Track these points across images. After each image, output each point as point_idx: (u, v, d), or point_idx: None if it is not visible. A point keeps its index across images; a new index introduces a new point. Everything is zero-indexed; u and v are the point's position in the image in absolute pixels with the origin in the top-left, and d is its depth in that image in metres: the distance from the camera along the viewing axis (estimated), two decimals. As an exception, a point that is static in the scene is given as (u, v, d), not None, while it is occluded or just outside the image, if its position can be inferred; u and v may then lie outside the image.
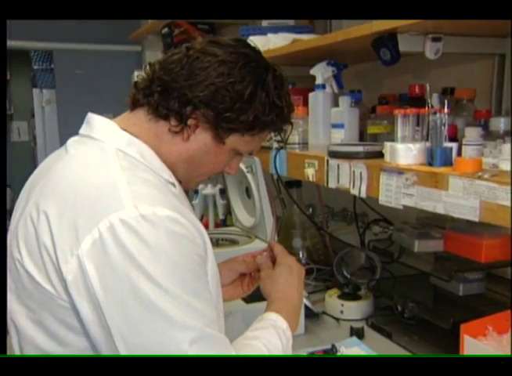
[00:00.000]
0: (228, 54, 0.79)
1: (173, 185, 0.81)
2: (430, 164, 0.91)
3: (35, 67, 4.05)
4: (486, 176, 0.78)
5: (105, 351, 0.68)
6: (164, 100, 0.79)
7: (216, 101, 0.77)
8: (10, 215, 0.85)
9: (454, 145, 0.92)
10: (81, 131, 0.84)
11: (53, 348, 0.72)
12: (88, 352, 0.71)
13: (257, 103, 0.79)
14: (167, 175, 0.81)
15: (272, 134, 0.90)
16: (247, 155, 0.91)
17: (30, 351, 0.75)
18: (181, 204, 0.75)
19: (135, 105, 0.83)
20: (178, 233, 0.69)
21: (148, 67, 0.83)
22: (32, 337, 0.74)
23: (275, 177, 1.56)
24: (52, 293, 0.70)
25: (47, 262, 0.70)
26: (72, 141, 0.84)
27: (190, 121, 0.79)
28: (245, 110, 0.79)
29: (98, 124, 0.82)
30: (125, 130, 0.80)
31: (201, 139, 0.81)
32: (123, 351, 0.66)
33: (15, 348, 0.78)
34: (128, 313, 0.66)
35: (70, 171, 0.77)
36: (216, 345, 0.69)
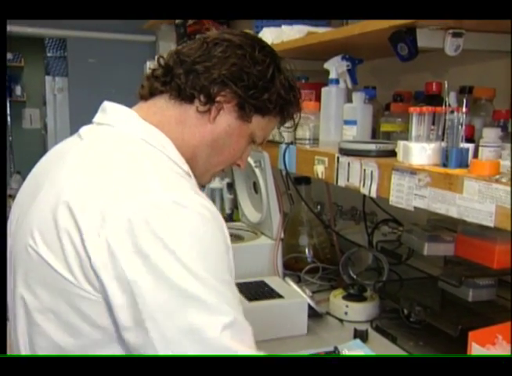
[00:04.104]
0: (244, 39, 0.82)
1: (190, 177, 0.81)
2: (444, 166, 0.88)
3: (49, 55, 4.05)
4: (504, 180, 0.75)
5: (131, 337, 0.66)
6: (189, 80, 0.80)
7: (241, 79, 0.80)
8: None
9: (470, 146, 0.88)
10: (97, 119, 0.82)
11: (64, 339, 0.70)
12: (101, 345, 0.69)
13: (277, 82, 0.83)
14: (186, 168, 0.81)
15: (284, 124, 0.92)
16: (256, 149, 0.93)
17: (40, 342, 0.72)
18: None
19: (152, 94, 0.83)
20: (210, 219, 0.69)
21: (161, 59, 0.83)
22: (41, 326, 0.71)
23: (284, 172, 1.53)
24: (71, 281, 0.68)
25: (67, 249, 0.67)
26: (86, 129, 0.82)
27: (219, 99, 0.80)
28: (268, 89, 0.82)
29: (117, 113, 0.81)
30: (145, 120, 0.80)
31: (226, 120, 0.82)
32: (155, 335, 0.64)
33: (20, 337, 0.75)
34: (161, 297, 0.64)
35: (92, 154, 0.75)
36: (246, 334, 0.68)
